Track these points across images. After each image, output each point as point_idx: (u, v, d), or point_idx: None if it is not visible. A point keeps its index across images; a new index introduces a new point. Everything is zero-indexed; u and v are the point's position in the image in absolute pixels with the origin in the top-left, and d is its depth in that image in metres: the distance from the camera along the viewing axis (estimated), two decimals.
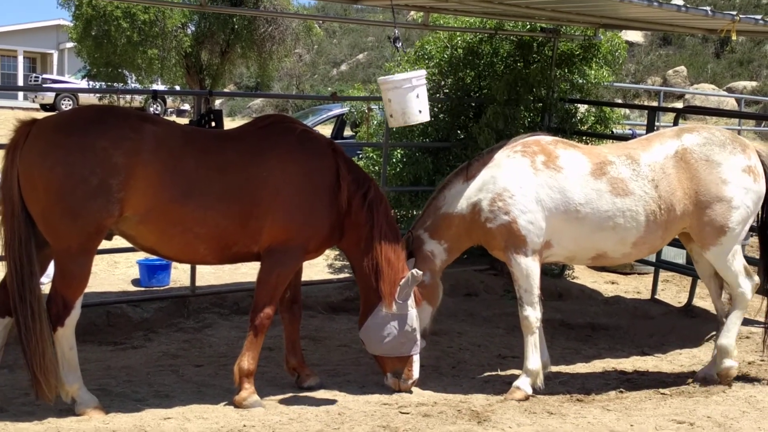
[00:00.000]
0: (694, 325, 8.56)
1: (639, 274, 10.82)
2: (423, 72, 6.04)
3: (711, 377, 6.72)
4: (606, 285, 10.36)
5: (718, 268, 6.56)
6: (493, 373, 6.91)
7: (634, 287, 10.29)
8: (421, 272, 5.87)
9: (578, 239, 6.30)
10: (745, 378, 6.81)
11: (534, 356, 6.25)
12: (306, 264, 10.10)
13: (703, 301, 9.38)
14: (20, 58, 48.74)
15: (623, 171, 6.29)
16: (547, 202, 6.16)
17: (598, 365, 7.30)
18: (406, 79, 5.87)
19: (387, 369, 6.07)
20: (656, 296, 9.69)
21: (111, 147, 5.18)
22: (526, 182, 6.18)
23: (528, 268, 6.20)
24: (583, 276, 10.58)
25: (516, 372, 6.65)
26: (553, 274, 10.04)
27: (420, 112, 5.89)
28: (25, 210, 5.24)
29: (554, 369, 6.84)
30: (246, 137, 5.79)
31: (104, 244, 5.85)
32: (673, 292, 10.09)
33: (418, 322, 5.99)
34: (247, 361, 5.69)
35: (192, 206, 5.39)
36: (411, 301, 5.91)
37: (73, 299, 5.32)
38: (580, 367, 7.21)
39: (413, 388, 6.21)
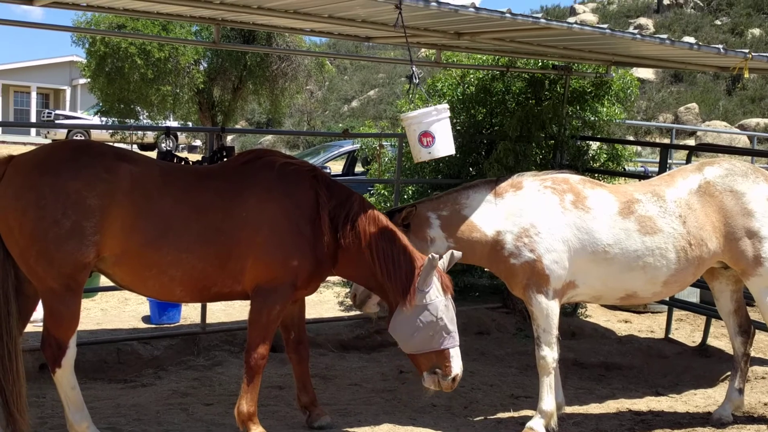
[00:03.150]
0: (708, 365, 8.47)
1: (652, 313, 10.74)
2: (425, 110, 5.78)
3: (726, 418, 6.65)
4: (619, 324, 10.28)
5: (758, 303, 6.48)
6: (506, 413, 6.83)
7: (647, 326, 10.20)
8: (437, 256, 5.51)
9: (606, 279, 6.22)
10: (761, 420, 6.72)
11: (549, 397, 6.17)
12: (316, 301, 10.17)
13: (718, 340, 9.30)
14: (33, 94, 49.23)
15: (650, 209, 6.24)
16: (573, 242, 6.09)
17: (612, 405, 7.22)
18: (444, 110, 5.77)
19: (422, 368, 5.63)
20: (670, 335, 9.60)
21: (84, 189, 5.08)
22: (554, 221, 6.11)
23: (548, 308, 6.13)
24: (596, 315, 10.51)
25: (529, 412, 6.57)
26: (565, 312, 9.96)
27: (429, 153, 5.71)
28: (3, 249, 5.18)
29: (568, 410, 6.76)
30: (225, 175, 5.66)
31: None
32: (687, 331, 10.00)
33: (449, 312, 5.57)
34: (246, 404, 5.57)
35: (166, 249, 5.27)
36: (434, 291, 5.53)
37: (66, 339, 5.22)
38: (594, 408, 7.13)
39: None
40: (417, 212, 6.23)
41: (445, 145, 5.76)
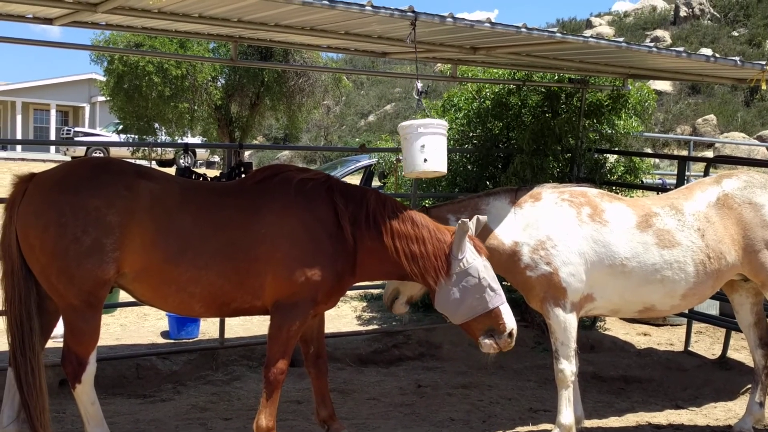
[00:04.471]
0: (728, 378, 8.42)
1: (671, 325, 10.69)
2: (432, 121, 5.84)
3: (747, 431, 6.61)
4: (638, 337, 10.24)
5: None
6: (525, 427, 6.82)
7: (666, 339, 10.16)
8: (467, 220, 5.48)
9: (624, 293, 6.20)
10: None
11: (567, 411, 6.15)
12: (334, 315, 10.18)
13: (738, 353, 9.25)
14: (53, 112, 49.69)
15: (669, 222, 6.23)
16: (590, 255, 6.09)
17: (631, 419, 7.19)
18: (410, 125, 5.77)
19: (477, 334, 5.57)
20: (689, 348, 9.55)
21: (104, 206, 5.10)
22: (571, 233, 6.11)
23: (566, 321, 6.12)
24: (615, 328, 10.47)
25: (548, 426, 6.56)
26: (584, 325, 9.93)
27: (425, 161, 5.72)
28: (24, 266, 5.21)
29: (587, 423, 6.73)
30: (243, 192, 5.66)
31: None
32: (707, 343, 9.95)
33: (489, 272, 5.53)
34: (265, 419, 5.55)
35: (185, 266, 5.28)
36: (470, 254, 5.49)
37: (86, 355, 5.25)
38: (613, 421, 7.10)
39: None
40: (437, 213, 6.23)
41: (444, 158, 5.75)
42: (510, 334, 5.48)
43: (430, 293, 5.72)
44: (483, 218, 5.77)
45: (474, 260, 5.48)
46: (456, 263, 5.47)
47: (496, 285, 5.51)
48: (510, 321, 5.49)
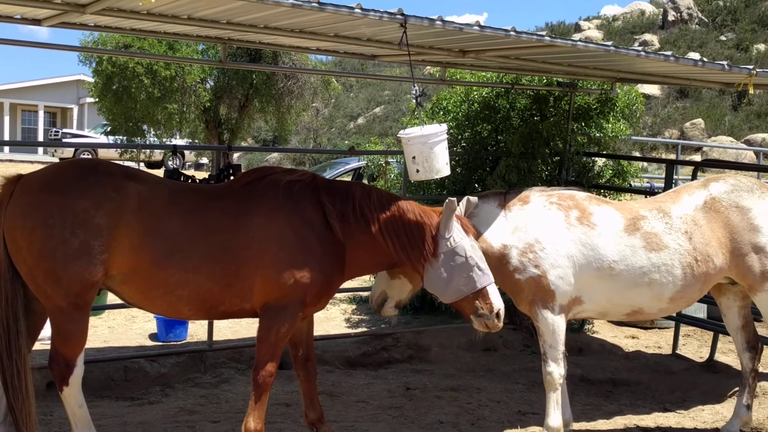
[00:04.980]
0: (716, 381, 8.46)
1: (659, 328, 10.71)
2: (417, 131, 5.78)
3: None
4: (626, 340, 10.26)
5: (765, 318, 6.49)
6: (514, 430, 6.82)
7: (654, 342, 10.19)
8: (454, 199, 5.50)
9: (612, 296, 6.22)
10: None
11: (555, 413, 6.16)
12: (323, 318, 10.18)
13: (725, 356, 9.28)
14: (41, 113, 49.47)
15: (656, 225, 6.25)
16: (578, 258, 6.10)
17: (619, 422, 7.20)
18: (402, 139, 5.82)
19: (468, 312, 5.60)
20: (677, 351, 9.58)
21: (92, 208, 5.08)
22: (559, 236, 6.12)
23: (554, 324, 6.13)
24: (603, 331, 10.49)
25: (536, 429, 6.56)
26: (572, 328, 9.95)
27: (417, 171, 5.77)
28: (11, 268, 5.18)
29: (575, 426, 6.75)
30: (232, 195, 5.63)
31: None
32: (695, 347, 9.98)
33: (476, 251, 5.54)
34: (253, 421, 5.52)
35: (173, 269, 5.26)
36: (457, 233, 5.50)
37: (74, 357, 5.22)
38: (601, 424, 7.12)
39: None
40: None
41: (439, 166, 5.78)
42: (497, 315, 5.51)
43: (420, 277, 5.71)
44: (474, 199, 5.81)
45: (461, 239, 5.49)
46: (443, 242, 5.48)
47: (484, 265, 5.53)
48: (497, 301, 5.51)
